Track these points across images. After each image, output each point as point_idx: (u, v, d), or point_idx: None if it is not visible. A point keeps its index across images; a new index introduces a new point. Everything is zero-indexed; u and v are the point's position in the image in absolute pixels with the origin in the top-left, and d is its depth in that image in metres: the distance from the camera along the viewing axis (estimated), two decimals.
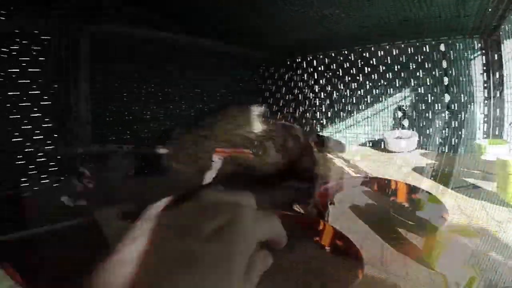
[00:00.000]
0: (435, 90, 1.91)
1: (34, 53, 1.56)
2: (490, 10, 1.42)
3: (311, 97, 2.55)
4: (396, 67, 2.10)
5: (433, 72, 1.91)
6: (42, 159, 1.53)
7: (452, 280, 0.90)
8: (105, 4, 1.58)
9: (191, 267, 0.17)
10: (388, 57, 2.12)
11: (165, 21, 1.93)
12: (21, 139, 1.52)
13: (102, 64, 1.77)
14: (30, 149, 1.51)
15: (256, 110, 1.05)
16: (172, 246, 0.17)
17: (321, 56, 2.43)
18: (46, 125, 1.62)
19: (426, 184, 1.18)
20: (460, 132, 1.84)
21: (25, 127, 1.54)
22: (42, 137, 1.59)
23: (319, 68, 2.45)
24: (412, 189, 0.96)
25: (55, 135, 1.63)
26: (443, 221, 0.91)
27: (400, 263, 0.99)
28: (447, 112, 1.88)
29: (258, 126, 1.22)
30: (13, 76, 1.53)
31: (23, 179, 1.48)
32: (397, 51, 2.08)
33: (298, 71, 2.59)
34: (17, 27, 1.49)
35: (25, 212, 1.18)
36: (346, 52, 2.31)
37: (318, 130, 2.47)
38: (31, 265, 0.86)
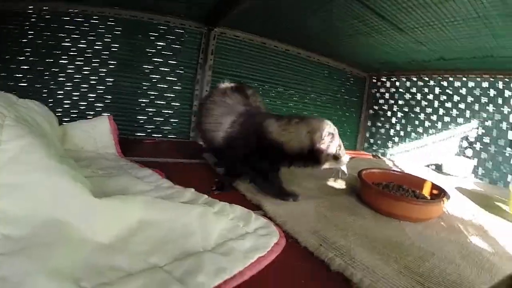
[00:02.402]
0: (501, 126, 1.99)
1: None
2: None
3: (388, 114, 2.71)
4: (469, 98, 2.19)
5: (502, 109, 2.00)
6: None
7: None
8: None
9: None
10: (464, 88, 2.22)
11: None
12: None
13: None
14: None
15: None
16: None
17: (403, 79, 2.60)
18: None
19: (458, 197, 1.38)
20: None
21: None
22: None
23: (400, 90, 2.62)
24: (435, 187, 1.16)
25: None
26: None
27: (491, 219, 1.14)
28: (509, 149, 1.97)
29: None
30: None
31: None
32: (472, 84, 2.17)
33: (381, 89, 2.76)
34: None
35: None
36: (426, 78, 2.44)
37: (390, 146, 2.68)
38: None
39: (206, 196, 0.83)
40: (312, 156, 0.94)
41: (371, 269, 0.69)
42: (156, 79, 2.00)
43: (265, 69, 2.36)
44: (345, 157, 1.03)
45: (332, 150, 0.96)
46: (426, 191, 1.22)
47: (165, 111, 2.05)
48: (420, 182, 1.26)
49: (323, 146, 0.94)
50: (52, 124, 0.90)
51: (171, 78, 2.05)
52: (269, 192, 1.00)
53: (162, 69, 2.02)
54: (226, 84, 1.26)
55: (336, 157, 1.00)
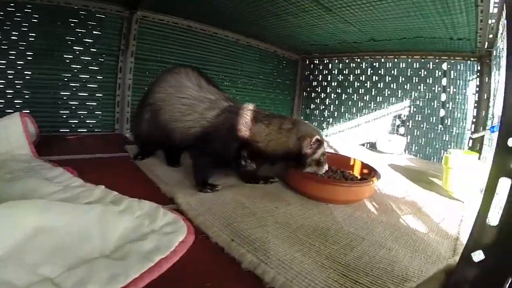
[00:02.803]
0: (432, 104, 2.04)
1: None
2: (480, 36, 1.57)
3: (322, 96, 2.70)
4: (401, 79, 2.23)
5: (433, 88, 2.06)
6: None
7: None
8: None
9: None
10: (395, 69, 2.26)
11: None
12: None
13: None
14: None
15: None
16: None
17: (335, 60, 2.61)
18: None
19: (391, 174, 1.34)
20: (449, 146, 1.97)
21: None
22: None
23: (333, 71, 2.61)
24: (365, 166, 1.10)
25: None
26: None
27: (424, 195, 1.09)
28: (440, 126, 2.00)
29: None
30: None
31: None
32: (403, 64, 2.21)
33: (314, 72, 2.74)
34: None
35: None
36: (358, 60, 2.46)
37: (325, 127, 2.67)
38: None
39: (115, 193, 0.77)
40: (298, 159, 0.95)
41: (287, 264, 0.57)
42: (78, 69, 1.78)
43: (192, 53, 2.20)
44: (326, 165, 1.00)
45: (317, 156, 0.96)
46: (356, 171, 1.14)
47: (89, 103, 1.85)
48: (350, 162, 1.18)
49: (309, 151, 0.93)
50: None
51: (93, 68, 1.84)
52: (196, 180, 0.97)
53: (84, 58, 1.80)
54: (181, 70, 1.10)
55: (318, 163, 0.97)
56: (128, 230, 0.60)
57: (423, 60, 2.10)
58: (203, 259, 0.59)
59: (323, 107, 2.72)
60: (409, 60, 2.18)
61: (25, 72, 1.64)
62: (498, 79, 1.39)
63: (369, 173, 1.08)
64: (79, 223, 0.57)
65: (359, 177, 1.11)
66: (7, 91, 1.60)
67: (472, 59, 1.87)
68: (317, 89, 2.77)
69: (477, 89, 1.85)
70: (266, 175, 1.06)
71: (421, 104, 2.12)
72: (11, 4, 1.55)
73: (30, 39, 1.64)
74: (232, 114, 0.97)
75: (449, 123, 1.98)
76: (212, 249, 0.62)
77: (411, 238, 0.75)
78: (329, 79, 2.67)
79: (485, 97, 1.78)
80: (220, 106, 1.01)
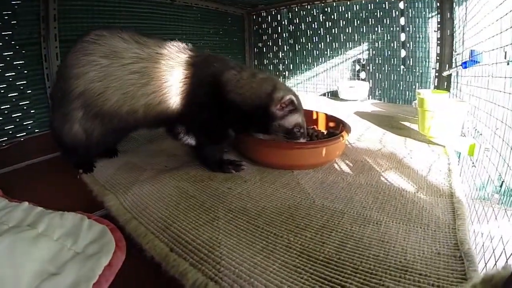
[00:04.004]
0: (392, 46, 1.95)
1: None
2: None
3: (275, 50, 2.57)
4: (356, 22, 2.11)
5: (391, 28, 1.93)
6: None
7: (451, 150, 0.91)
8: None
9: None
10: (349, 13, 2.13)
11: None
12: None
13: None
14: None
15: None
16: None
17: (284, 10, 2.44)
18: None
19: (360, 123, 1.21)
20: (414, 86, 1.90)
21: None
22: None
23: (283, 22, 2.46)
24: (330, 118, 0.97)
25: None
26: None
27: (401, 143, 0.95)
28: (402, 66, 1.94)
29: None
30: None
31: None
32: (357, 7, 2.09)
33: (263, 25, 2.60)
34: None
35: None
36: (308, 6, 2.31)
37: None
38: None
39: (39, 209, 0.65)
40: (264, 120, 0.77)
41: (245, 277, 0.40)
42: (1, 68, 1.52)
43: (124, 22, 1.94)
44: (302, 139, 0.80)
45: (287, 123, 0.76)
46: (321, 126, 0.98)
47: (22, 103, 1.60)
48: (313, 116, 1.02)
49: (278, 112, 0.75)
50: None
51: (18, 62, 1.58)
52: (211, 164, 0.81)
53: (5, 54, 1.54)
54: (103, 32, 0.80)
55: (288, 133, 0.77)
56: (44, 262, 0.50)
57: (377, 0, 1.99)
58: (137, 282, 0.48)
59: (277, 60, 2.59)
60: (363, 2, 2.07)
61: None
62: (463, 14, 1.28)
63: (336, 126, 0.94)
64: None
65: (325, 132, 0.96)
66: None
67: None
68: (268, 43, 2.62)
69: (439, 25, 1.76)
70: (231, 159, 0.84)
71: (380, 46, 2.02)
72: None
73: None
74: (201, 69, 0.78)
75: (411, 63, 1.91)
76: (148, 266, 0.48)
77: (400, 202, 0.60)
78: (279, 30, 2.53)
79: (449, 34, 1.69)
80: (180, 61, 0.79)
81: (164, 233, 0.52)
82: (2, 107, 1.55)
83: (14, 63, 1.60)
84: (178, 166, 0.84)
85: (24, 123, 1.60)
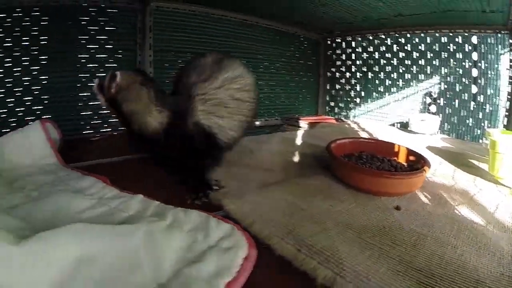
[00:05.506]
0: (464, 81, 1.97)
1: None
2: None
3: (347, 76, 2.64)
4: (429, 54, 2.14)
5: (463, 63, 1.96)
6: None
7: None
8: None
9: None
10: (422, 45, 2.17)
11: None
12: None
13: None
14: None
15: None
16: None
17: (359, 38, 2.53)
18: None
19: (433, 158, 1.31)
20: (483, 124, 1.94)
21: None
22: None
23: (357, 50, 2.54)
24: (411, 152, 1.09)
25: None
26: None
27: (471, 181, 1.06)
28: (473, 102, 1.98)
29: None
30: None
31: None
32: (431, 39, 2.12)
33: (337, 51, 2.68)
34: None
35: None
36: (383, 36, 2.38)
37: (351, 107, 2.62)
38: None
39: (157, 202, 0.69)
40: None
41: (363, 275, 0.56)
42: (95, 68, 1.77)
43: (211, 40, 2.16)
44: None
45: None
46: (402, 159, 1.13)
47: None
48: (394, 148, 1.17)
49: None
50: None
51: (110, 65, 1.82)
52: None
53: (100, 56, 1.79)
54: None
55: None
56: (182, 250, 0.52)
57: (451, 34, 2.02)
58: (271, 276, 0.54)
59: (349, 87, 2.67)
60: (437, 35, 2.09)
61: (41, 77, 1.62)
62: None
63: (417, 160, 1.06)
64: (125, 247, 0.48)
65: (406, 164, 1.09)
66: (24, 98, 1.59)
67: (503, 32, 1.81)
68: (341, 68, 2.71)
69: (511, 64, 1.81)
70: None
71: (452, 81, 2.05)
72: (18, 10, 1.52)
73: (42, 42, 1.61)
74: None
75: (482, 100, 1.93)
76: (277, 263, 0.56)
77: (472, 232, 0.75)
78: (353, 57, 2.61)
79: None
80: None
81: (288, 237, 0.63)
82: (90, 103, 1.77)
83: (107, 65, 1.79)
84: (278, 181, 1.00)
85: (109, 120, 1.81)
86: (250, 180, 0.98)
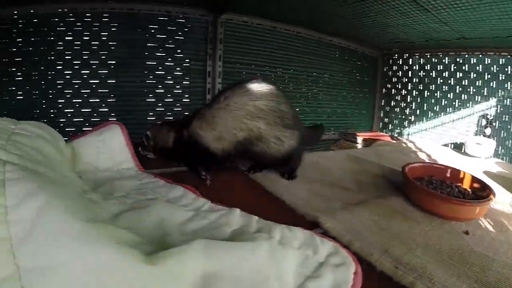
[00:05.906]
0: None
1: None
2: None
3: (403, 93, 2.70)
4: (486, 76, 2.17)
5: None
6: None
7: None
8: None
9: None
10: (480, 65, 2.19)
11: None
12: None
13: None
14: None
15: None
16: None
17: (417, 56, 2.58)
18: None
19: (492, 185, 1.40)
20: None
21: None
22: None
23: (414, 67, 2.60)
24: (475, 180, 1.22)
25: None
26: None
27: None
28: None
29: None
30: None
31: None
32: (488, 60, 2.15)
33: (394, 67, 2.75)
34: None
35: None
36: (441, 55, 2.42)
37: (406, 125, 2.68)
38: None
39: (256, 218, 0.71)
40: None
41: None
42: (162, 75, 1.93)
43: (277, 54, 2.33)
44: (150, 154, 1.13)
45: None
46: (466, 185, 1.25)
47: (176, 109, 1.99)
48: (460, 175, 1.28)
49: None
50: (59, 149, 0.79)
51: (178, 73, 1.97)
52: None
53: (167, 64, 1.94)
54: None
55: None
56: (298, 266, 0.53)
57: (509, 56, 2.06)
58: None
59: (404, 104, 2.74)
60: (495, 56, 2.13)
61: (108, 81, 1.76)
62: None
63: (481, 188, 1.17)
64: (251, 263, 0.49)
65: (470, 191, 1.20)
66: (91, 99, 1.73)
67: None
68: (397, 85, 2.79)
69: None
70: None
71: (508, 104, 2.09)
72: (88, 14, 1.65)
73: (111, 47, 1.74)
74: None
75: None
76: (378, 279, 0.62)
77: None
78: (409, 75, 2.67)
79: None
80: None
81: (385, 255, 0.70)
82: (156, 109, 1.89)
83: (175, 73, 1.94)
84: (360, 200, 1.12)
85: None
86: (332, 198, 1.11)
